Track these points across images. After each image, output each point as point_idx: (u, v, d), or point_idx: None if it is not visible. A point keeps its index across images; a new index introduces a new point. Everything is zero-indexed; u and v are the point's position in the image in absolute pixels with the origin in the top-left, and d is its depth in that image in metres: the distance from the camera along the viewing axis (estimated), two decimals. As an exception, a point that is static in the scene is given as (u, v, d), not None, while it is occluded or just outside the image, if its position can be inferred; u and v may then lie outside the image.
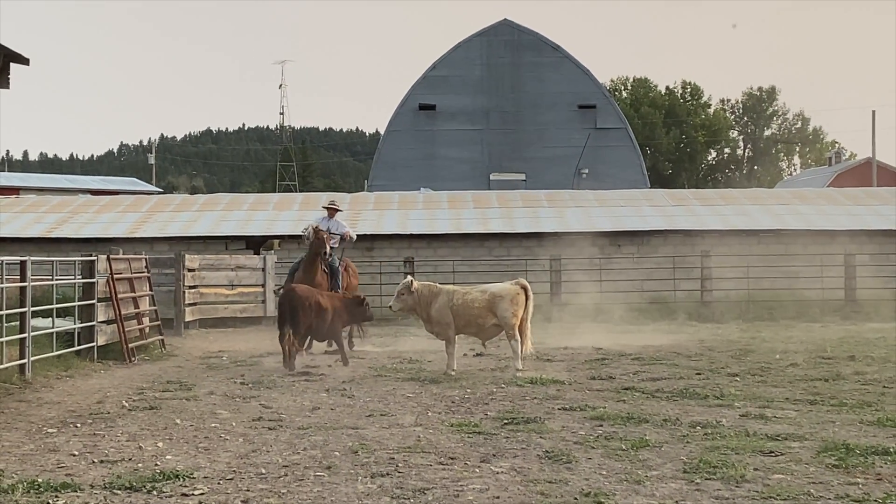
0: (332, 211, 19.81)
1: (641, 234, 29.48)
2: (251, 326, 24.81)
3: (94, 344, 16.94)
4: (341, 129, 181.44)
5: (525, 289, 15.15)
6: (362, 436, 9.92)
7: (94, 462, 8.81)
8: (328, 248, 18.46)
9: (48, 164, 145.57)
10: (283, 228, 30.12)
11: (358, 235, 19.38)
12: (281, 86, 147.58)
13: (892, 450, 8.76)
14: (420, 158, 49.30)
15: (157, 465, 8.64)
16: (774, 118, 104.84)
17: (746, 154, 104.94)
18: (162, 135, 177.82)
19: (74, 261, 17.74)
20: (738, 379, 13.95)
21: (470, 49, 50.83)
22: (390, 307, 15.73)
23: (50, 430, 10.39)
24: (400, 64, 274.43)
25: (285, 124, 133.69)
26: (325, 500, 7.46)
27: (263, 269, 25.88)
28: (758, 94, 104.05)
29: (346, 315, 16.87)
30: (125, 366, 16.71)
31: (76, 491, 7.73)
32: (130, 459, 8.89)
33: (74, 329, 16.77)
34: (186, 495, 7.60)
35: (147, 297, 19.51)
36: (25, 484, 7.83)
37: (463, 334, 15.58)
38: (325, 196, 31.51)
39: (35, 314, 15.25)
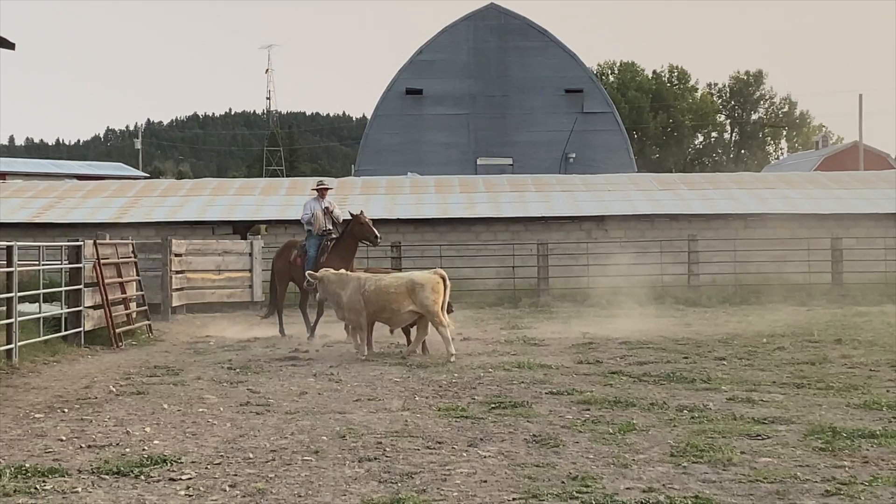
0: (323, 191, 19.71)
1: (629, 219, 29.49)
2: (238, 311, 24.77)
3: (82, 329, 16.90)
4: (328, 114, 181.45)
5: (444, 278, 15.15)
6: (350, 420, 9.92)
7: (81, 447, 8.78)
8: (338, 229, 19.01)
9: (34, 150, 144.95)
10: (269, 213, 30.09)
11: (344, 220, 19.27)
12: (267, 70, 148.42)
13: (878, 433, 8.79)
14: (407, 143, 49.16)
15: (144, 449, 8.62)
16: (762, 102, 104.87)
17: (734, 138, 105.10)
18: (148, 120, 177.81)
19: (61, 246, 17.71)
20: (724, 363, 13.98)
21: (456, 33, 50.64)
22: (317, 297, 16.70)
23: (37, 416, 10.36)
24: (387, 48, 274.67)
25: (272, 109, 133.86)
26: (312, 484, 7.45)
27: (250, 254, 25.84)
28: (745, 77, 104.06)
29: None
30: (112, 351, 16.69)
31: (63, 476, 7.70)
32: (118, 444, 8.87)
33: (61, 314, 16.74)
34: (174, 480, 7.59)
35: (134, 282, 19.48)
36: (13, 469, 7.81)
37: (377, 321, 15.54)
38: (313, 181, 31.45)
39: (22, 299, 15.22)
